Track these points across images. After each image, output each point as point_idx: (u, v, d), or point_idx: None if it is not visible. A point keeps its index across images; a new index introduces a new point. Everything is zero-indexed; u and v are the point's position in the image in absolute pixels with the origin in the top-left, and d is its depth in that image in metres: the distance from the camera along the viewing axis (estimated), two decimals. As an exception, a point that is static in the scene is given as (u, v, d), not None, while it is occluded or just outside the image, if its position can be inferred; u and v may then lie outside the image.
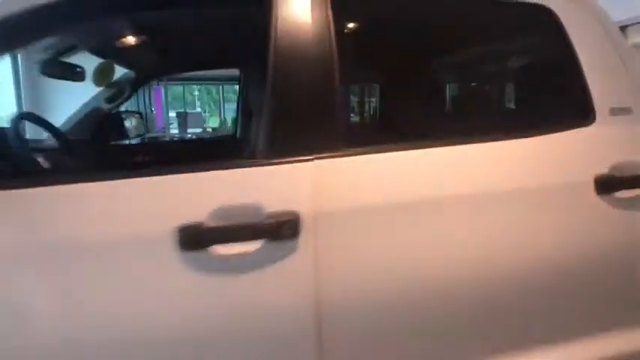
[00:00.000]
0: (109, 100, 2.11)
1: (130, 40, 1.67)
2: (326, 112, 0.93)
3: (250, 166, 0.91)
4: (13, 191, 0.82)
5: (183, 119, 7.32)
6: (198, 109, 10.92)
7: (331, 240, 0.89)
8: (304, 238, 0.87)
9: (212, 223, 0.84)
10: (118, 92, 2.09)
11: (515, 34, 1.37)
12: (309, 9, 0.94)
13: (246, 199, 0.87)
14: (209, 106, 11.66)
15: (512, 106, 1.40)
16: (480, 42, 1.48)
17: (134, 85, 2.12)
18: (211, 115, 10.00)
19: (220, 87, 8.57)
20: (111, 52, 1.78)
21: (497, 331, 1.00)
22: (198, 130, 7.46)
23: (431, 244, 0.94)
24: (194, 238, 0.83)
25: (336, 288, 0.89)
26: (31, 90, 5.53)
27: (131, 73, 2.10)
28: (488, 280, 0.96)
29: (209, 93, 11.63)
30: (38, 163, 1.18)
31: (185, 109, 8.62)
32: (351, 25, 1.04)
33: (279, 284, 0.88)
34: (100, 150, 1.89)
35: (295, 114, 0.92)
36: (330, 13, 0.95)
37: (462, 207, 0.96)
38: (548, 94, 1.23)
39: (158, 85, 7.48)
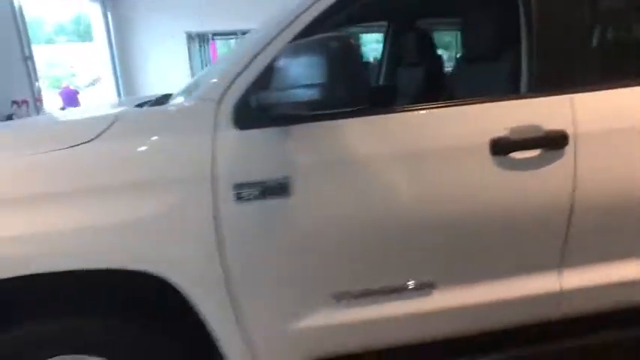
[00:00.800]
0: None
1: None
2: (582, 56, 1.28)
3: (532, 97, 1.28)
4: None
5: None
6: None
7: (586, 152, 1.27)
8: (568, 149, 1.26)
9: (511, 137, 1.23)
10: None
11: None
12: None
13: (531, 120, 1.25)
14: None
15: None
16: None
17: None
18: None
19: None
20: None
21: None
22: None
23: None
24: (501, 147, 1.23)
25: (586, 186, 1.29)
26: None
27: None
28: None
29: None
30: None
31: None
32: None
33: (550, 180, 1.28)
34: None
35: (560, 59, 1.28)
36: None
37: None
38: None
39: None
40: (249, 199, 1.14)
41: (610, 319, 1.46)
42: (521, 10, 1.33)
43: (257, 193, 1.14)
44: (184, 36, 8.63)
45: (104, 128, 1.17)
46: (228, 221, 1.14)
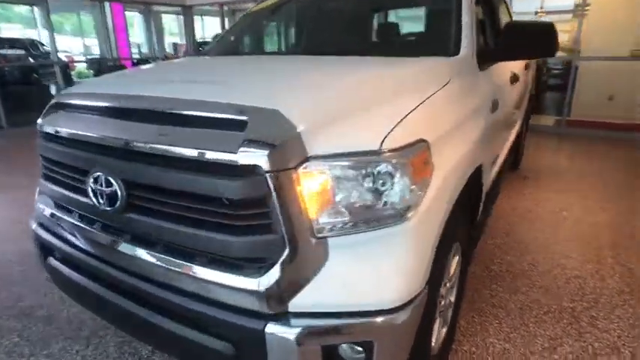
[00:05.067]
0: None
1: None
2: None
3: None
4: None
5: None
6: None
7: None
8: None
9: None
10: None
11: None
12: None
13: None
14: None
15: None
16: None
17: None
18: None
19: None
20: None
21: None
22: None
23: None
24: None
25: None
26: None
27: None
28: None
29: None
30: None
31: None
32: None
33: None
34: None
35: None
36: None
37: None
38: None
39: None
40: (492, 110, 2.06)
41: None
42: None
43: (493, 106, 2.08)
44: None
45: (450, 77, 1.75)
46: (487, 122, 2.01)
